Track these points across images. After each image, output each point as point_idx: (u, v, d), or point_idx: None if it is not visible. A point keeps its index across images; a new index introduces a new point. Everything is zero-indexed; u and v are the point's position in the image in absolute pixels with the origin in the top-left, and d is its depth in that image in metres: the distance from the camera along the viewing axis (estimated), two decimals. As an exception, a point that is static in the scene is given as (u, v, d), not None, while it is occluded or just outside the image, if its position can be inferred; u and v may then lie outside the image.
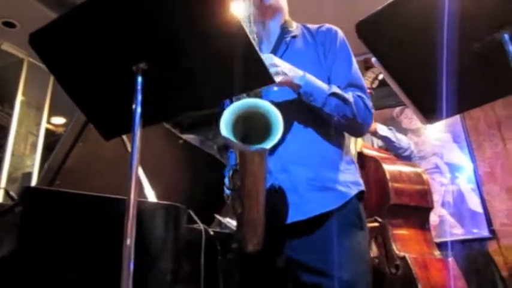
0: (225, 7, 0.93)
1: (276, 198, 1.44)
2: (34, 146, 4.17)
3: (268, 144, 1.15)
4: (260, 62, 0.96)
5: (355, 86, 1.56)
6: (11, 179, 3.94)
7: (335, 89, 1.48)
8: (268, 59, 1.38)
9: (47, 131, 4.37)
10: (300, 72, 1.45)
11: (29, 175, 4.07)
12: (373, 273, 2.42)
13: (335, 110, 1.46)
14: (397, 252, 2.40)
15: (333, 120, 1.47)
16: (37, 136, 4.20)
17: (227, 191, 1.44)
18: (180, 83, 1.03)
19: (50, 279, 1.42)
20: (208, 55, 0.99)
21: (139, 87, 0.97)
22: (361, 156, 2.86)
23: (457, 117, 4.28)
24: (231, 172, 1.39)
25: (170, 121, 4.94)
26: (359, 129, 1.58)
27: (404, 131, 4.27)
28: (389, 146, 2.93)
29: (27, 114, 4.17)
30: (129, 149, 2.26)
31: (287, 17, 1.73)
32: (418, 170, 2.79)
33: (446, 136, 4.31)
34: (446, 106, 1.12)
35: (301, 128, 1.51)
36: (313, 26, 1.70)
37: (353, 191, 1.50)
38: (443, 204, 4.09)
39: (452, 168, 4.20)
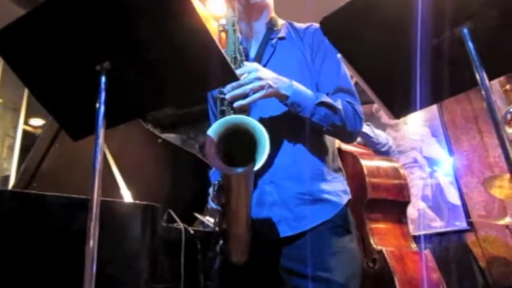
0: (188, 5, 0.93)
1: (265, 211, 1.44)
2: (11, 148, 4.11)
3: (255, 166, 1.13)
4: (223, 59, 0.96)
5: (344, 91, 1.52)
6: (-11, 182, 3.89)
7: (323, 97, 1.45)
8: (253, 72, 1.35)
9: (26, 133, 4.31)
10: (287, 81, 1.41)
11: (7, 178, 4.01)
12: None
13: (324, 119, 1.43)
14: (374, 246, 2.43)
15: (322, 128, 1.45)
16: (14, 138, 4.14)
17: (212, 205, 1.42)
18: (145, 81, 1.03)
19: (22, 282, 1.41)
20: (171, 53, 0.99)
21: (103, 86, 0.97)
22: (339, 151, 2.87)
23: (435, 111, 4.35)
24: (215, 188, 1.38)
25: (150, 121, 4.93)
26: (349, 137, 1.55)
27: (383, 126, 4.30)
28: (367, 141, 2.96)
29: (3, 116, 4.12)
30: (105, 149, 2.26)
31: (273, 13, 1.68)
32: (396, 164, 2.83)
33: (424, 130, 4.37)
34: (412, 101, 1.14)
35: (289, 142, 1.49)
36: (300, 26, 1.65)
37: (344, 199, 1.49)
38: (422, 198, 4.14)
39: (431, 162, 4.26)
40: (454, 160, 4.18)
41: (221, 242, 1.42)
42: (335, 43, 1.09)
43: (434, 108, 4.30)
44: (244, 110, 1.33)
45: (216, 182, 1.39)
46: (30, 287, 1.43)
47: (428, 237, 3.93)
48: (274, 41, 1.60)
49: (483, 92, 0.97)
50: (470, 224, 3.92)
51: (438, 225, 4.02)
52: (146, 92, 1.05)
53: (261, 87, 1.34)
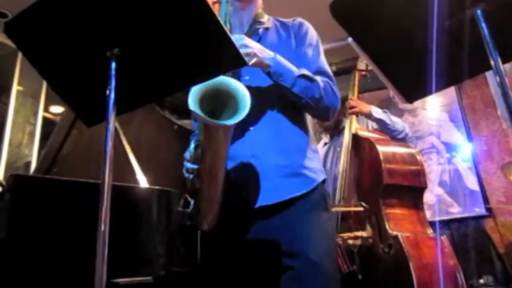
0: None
1: (244, 182, 1.49)
2: (32, 135, 4.19)
3: (234, 121, 1.18)
4: (231, 45, 0.97)
5: (323, 73, 1.61)
6: (12, 169, 3.97)
7: (304, 71, 1.52)
8: (240, 39, 1.41)
9: (46, 120, 4.38)
10: (271, 53, 1.48)
11: (29, 164, 4.10)
12: (367, 253, 2.48)
13: (304, 91, 1.50)
14: (390, 231, 2.41)
15: (302, 101, 1.52)
16: (34, 125, 4.22)
17: (187, 165, 1.45)
18: (154, 67, 1.04)
19: (41, 267, 1.45)
20: (180, 39, 0.99)
21: (113, 72, 0.98)
22: (356, 138, 2.87)
23: (454, 96, 4.27)
24: (193, 146, 1.41)
25: (167, 107, 4.94)
26: (326, 112, 1.60)
27: (400, 112, 4.26)
28: (383, 128, 2.92)
29: (24, 104, 4.19)
30: (121, 135, 2.29)
31: (260, 9, 1.75)
32: (412, 150, 2.79)
33: (443, 116, 4.31)
34: (425, 84, 1.12)
35: (272, 116, 1.56)
36: (286, 20, 1.75)
37: (320, 177, 1.58)
38: (440, 184, 4.10)
39: (449, 147, 4.20)
40: (473, 145, 4.11)
41: (192, 203, 1.48)
42: (345, 27, 1.08)
43: (452, 92, 4.23)
44: (234, 77, 1.38)
45: (196, 142, 1.43)
46: (47, 270, 1.46)
47: (446, 223, 3.90)
48: (260, 30, 1.68)
49: (496, 76, 0.96)
50: (489, 210, 3.87)
51: (456, 211, 3.98)
52: (156, 78, 1.06)
53: (247, 54, 1.39)
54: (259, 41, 1.63)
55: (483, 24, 0.97)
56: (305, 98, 1.51)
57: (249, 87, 1.51)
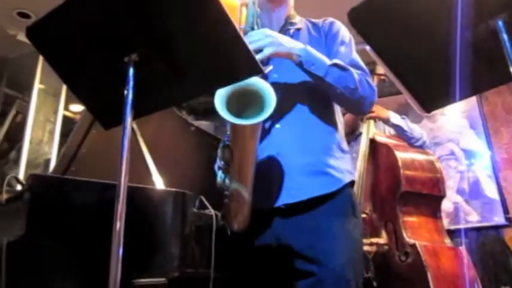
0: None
1: (267, 180, 1.46)
2: (52, 133, 4.26)
3: (259, 119, 1.20)
4: (248, 52, 0.97)
5: (357, 67, 1.55)
6: (33, 165, 4.04)
7: (337, 60, 1.48)
8: (260, 33, 1.40)
9: (66, 118, 4.45)
10: (301, 44, 1.45)
11: (49, 161, 4.17)
12: (382, 260, 2.45)
13: (337, 80, 1.44)
14: (407, 239, 2.38)
15: (336, 91, 1.46)
16: (54, 123, 4.28)
17: (218, 162, 1.42)
18: (171, 73, 1.04)
19: (58, 265, 1.47)
20: (197, 45, 1.00)
21: (130, 77, 0.99)
22: (373, 143, 2.84)
23: (474, 102, 4.20)
24: (222, 145, 1.40)
25: (184, 108, 4.97)
26: (362, 104, 1.52)
27: (419, 117, 4.20)
28: (401, 135, 2.89)
29: (44, 102, 4.26)
30: (138, 137, 2.31)
31: (292, 10, 1.73)
32: (431, 157, 2.76)
33: (462, 122, 4.24)
34: (444, 94, 1.11)
35: (300, 113, 1.52)
36: (317, 20, 1.72)
37: (347, 177, 1.51)
38: (458, 191, 4.03)
39: (469, 154, 4.13)
40: (493, 153, 4.03)
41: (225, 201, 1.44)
42: (363, 35, 1.07)
43: (473, 99, 4.15)
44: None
45: (226, 141, 1.41)
46: (63, 269, 1.48)
47: (464, 232, 3.83)
48: (291, 31, 1.66)
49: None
50: (508, 219, 3.80)
51: (475, 220, 3.91)
52: (173, 83, 1.07)
53: (271, 43, 1.37)
54: None
55: (504, 35, 0.95)
56: (339, 88, 1.45)
57: (276, 84, 1.47)
